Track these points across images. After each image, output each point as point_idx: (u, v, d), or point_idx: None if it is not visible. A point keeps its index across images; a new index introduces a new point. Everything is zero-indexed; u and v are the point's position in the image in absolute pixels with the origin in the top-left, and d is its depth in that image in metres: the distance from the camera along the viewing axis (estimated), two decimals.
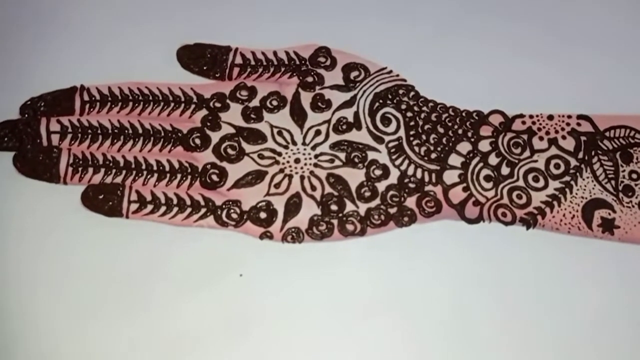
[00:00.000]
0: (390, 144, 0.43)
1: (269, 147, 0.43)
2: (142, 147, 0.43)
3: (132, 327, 0.39)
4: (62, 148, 0.42)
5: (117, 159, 0.42)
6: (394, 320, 0.40)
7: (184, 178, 0.42)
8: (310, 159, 0.43)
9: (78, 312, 0.39)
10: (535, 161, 0.42)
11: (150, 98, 0.44)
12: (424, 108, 0.44)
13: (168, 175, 0.42)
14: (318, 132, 0.43)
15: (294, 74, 0.45)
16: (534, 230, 0.42)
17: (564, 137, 0.43)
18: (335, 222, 0.42)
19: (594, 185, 0.42)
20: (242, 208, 0.42)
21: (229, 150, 0.43)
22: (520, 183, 0.42)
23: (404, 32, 0.47)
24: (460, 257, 0.41)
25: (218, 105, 0.44)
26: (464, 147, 0.43)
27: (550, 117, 0.44)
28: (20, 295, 0.40)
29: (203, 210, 0.41)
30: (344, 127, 0.44)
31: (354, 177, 0.42)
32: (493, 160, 0.43)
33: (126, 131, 0.43)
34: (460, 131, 0.43)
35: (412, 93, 0.44)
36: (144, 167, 0.42)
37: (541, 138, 0.43)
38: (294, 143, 0.43)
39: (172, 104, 0.44)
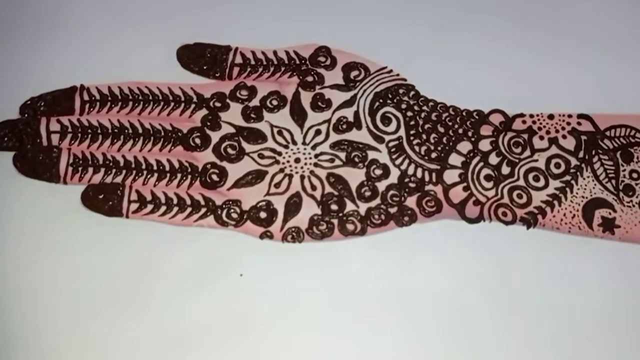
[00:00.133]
0: (391, 144, 0.43)
1: (269, 147, 0.43)
2: (142, 147, 0.43)
3: (132, 327, 0.39)
4: (62, 148, 0.42)
5: (117, 159, 0.42)
6: (394, 320, 0.40)
7: (184, 178, 0.42)
8: (310, 158, 0.43)
9: (78, 312, 0.39)
10: (536, 160, 0.42)
11: (150, 98, 0.44)
12: (424, 107, 0.44)
13: (168, 175, 0.42)
14: (318, 132, 0.43)
15: (294, 74, 0.45)
16: (535, 230, 0.42)
17: (564, 137, 0.43)
18: (335, 221, 0.41)
19: (595, 184, 0.42)
20: (242, 208, 0.42)
21: (229, 150, 0.43)
22: (521, 182, 0.42)
23: (404, 31, 0.47)
24: (461, 256, 0.41)
25: (218, 104, 0.44)
26: (465, 146, 0.43)
27: (551, 117, 0.43)
28: (20, 295, 0.40)
29: (203, 210, 0.41)
30: (344, 126, 0.44)
31: (354, 176, 0.42)
32: (493, 159, 0.43)
33: (126, 131, 0.43)
34: (460, 130, 0.43)
35: (412, 92, 0.44)
36: (144, 166, 0.42)
37: (542, 137, 0.43)
38: (294, 143, 0.43)
39: (172, 104, 0.44)
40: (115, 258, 0.41)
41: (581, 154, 0.42)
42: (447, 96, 0.44)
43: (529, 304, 0.40)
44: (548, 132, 0.43)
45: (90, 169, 0.42)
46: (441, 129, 0.43)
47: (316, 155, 0.43)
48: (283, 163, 0.43)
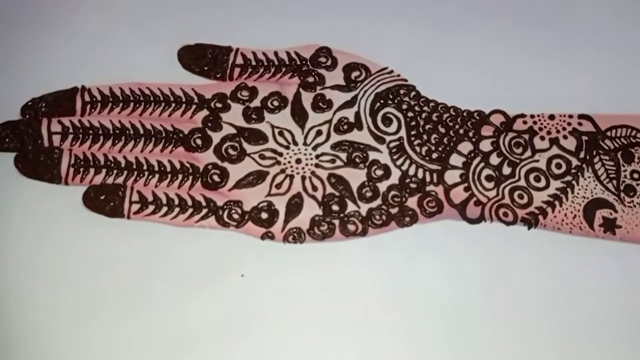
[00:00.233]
0: (392, 144, 0.43)
1: (270, 148, 0.43)
2: (143, 148, 0.43)
3: (133, 327, 0.39)
4: (64, 149, 0.42)
5: (119, 160, 0.42)
6: (395, 320, 0.40)
7: (185, 178, 0.42)
8: (311, 159, 0.43)
9: (79, 312, 0.40)
10: (537, 161, 0.42)
11: (151, 98, 0.44)
12: (425, 108, 0.44)
13: (169, 175, 0.42)
14: (319, 133, 0.43)
15: (295, 74, 0.45)
16: (536, 230, 0.42)
17: (565, 137, 0.43)
18: (336, 222, 0.41)
19: (596, 185, 0.42)
20: (243, 208, 0.42)
21: (230, 151, 0.43)
22: (522, 183, 0.42)
23: (405, 32, 0.47)
24: (462, 257, 0.41)
25: (219, 105, 0.44)
26: (465, 147, 0.43)
27: (552, 117, 0.43)
28: (21, 296, 0.40)
29: (204, 211, 0.41)
30: (345, 127, 0.44)
31: (355, 177, 0.42)
32: (494, 160, 0.43)
33: (127, 132, 0.43)
34: (461, 131, 0.43)
35: (413, 93, 0.44)
36: (145, 167, 0.42)
37: (542, 138, 0.43)
38: (295, 143, 0.43)
39: (173, 105, 0.44)
40: (116, 259, 0.41)
41: (582, 154, 0.42)
42: (448, 97, 0.44)
43: (530, 304, 0.40)
44: (549, 133, 0.43)
45: (92, 170, 0.42)
46: (442, 130, 0.43)
47: (317, 156, 0.43)
48: (284, 164, 0.43)
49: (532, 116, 0.44)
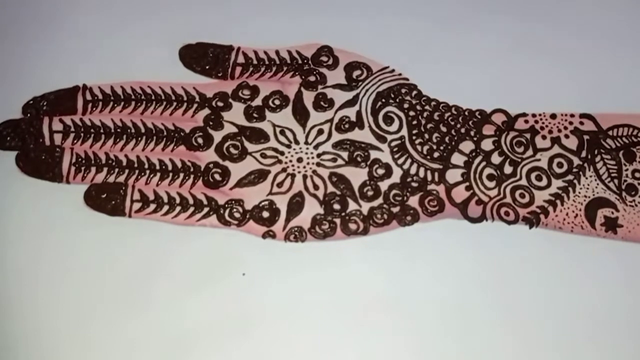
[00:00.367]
0: (393, 143, 0.43)
1: (272, 147, 0.43)
2: (144, 147, 0.43)
3: (134, 326, 0.39)
4: (65, 147, 0.42)
5: (120, 158, 0.42)
6: (396, 320, 0.40)
7: (187, 177, 0.42)
8: (312, 158, 0.43)
9: (79, 312, 0.39)
10: (538, 160, 0.42)
11: (153, 97, 0.44)
12: (427, 107, 0.44)
13: (171, 174, 0.42)
14: (320, 131, 0.43)
15: (297, 73, 0.45)
16: (537, 229, 0.42)
17: (567, 136, 0.43)
18: (337, 221, 0.42)
19: (597, 184, 0.42)
20: (244, 207, 0.42)
21: (232, 150, 0.43)
22: (523, 182, 0.42)
23: (407, 31, 0.47)
24: (463, 256, 0.41)
25: (220, 104, 0.44)
26: (467, 146, 0.43)
27: (553, 116, 0.43)
28: (21, 295, 0.40)
29: (206, 210, 0.41)
30: (347, 126, 0.44)
31: (357, 176, 0.42)
32: (496, 159, 0.43)
33: (129, 130, 0.43)
34: (462, 130, 0.43)
35: (414, 92, 0.44)
36: (146, 166, 0.42)
37: (544, 137, 0.43)
38: (297, 142, 0.43)
39: (175, 103, 0.44)
40: (117, 257, 0.41)
41: (584, 154, 0.42)
42: (449, 96, 0.44)
43: (531, 304, 0.40)
44: (550, 132, 0.43)
45: (93, 169, 0.42)
46: (443, 129, 0.43)
47: (318, 155, 0.43)
48: (285, 162, 0.43)
49: (533, 115, 0.44)
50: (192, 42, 0.46)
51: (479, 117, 0.44)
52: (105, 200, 0.41)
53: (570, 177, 0.42)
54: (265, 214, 0.42)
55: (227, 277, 0.40)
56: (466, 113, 0.44)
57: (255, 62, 0.45)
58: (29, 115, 0.43)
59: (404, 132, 0.43)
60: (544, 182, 0.42)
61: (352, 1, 0.48)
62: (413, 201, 0.42)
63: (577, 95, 0.44)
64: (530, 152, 0.43)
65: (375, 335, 0.39)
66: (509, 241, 0.41)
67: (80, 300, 0.40)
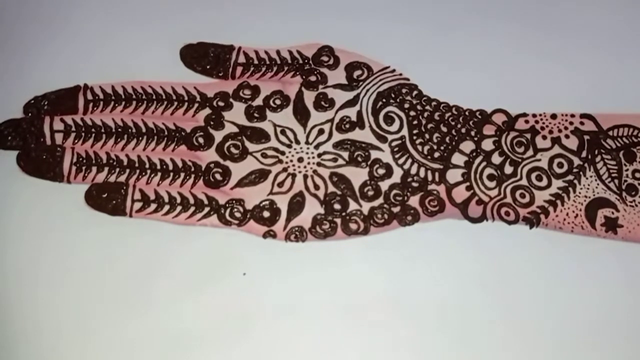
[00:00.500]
0: (394, 143, 0.43)
1: (272, 146, 0.43)
2: (145, 146, 0.43)
3: (134, 326, 0.39)
4: (66, 147, 0.42)
5: (121, 158, 0.42)
6: (396, 319, 0.40)
7: (188, 177, 0.42)
8: (313, 158, 0.43)
9: (80, 312, 0.39)
10: (539, 160, 0.42)
11: (154, 97, 0.44)
12: (427, 107, 0.44)
13: (171, 174, 0.42)
14: (321, 131, 0.43)
15: (297, 73, 0.45)
16: (537, 230, 0.42)
17: (567, 136, 0.43)
18: (338, 221, 0.42)
19: (598, 184, 0.42)
20: (245, 207, 0.42)
21: (233, 149, 0.43)
22: (524, 182, 0.42)
23: (407, 31, 0.47)
24: (463, 256, 0.41)
25: (221, 104, 0.44)
26: (467, 146, 0.43)
27: (554, 116, 0.44)
28: (21, 295, 0.40)
29: (206, 209, 0.41)
30: (347, 126, 0.44)
31: (357, 176, 0.42)
32: (496, 159, 0.43)
33: (130, 130, 0.43)
34: (463, 130, 0.43)
35: (415, 92, 0.44)
36: (147, 166, 0.42)
37: (544, 137, 0.43)
38: (297, 142, 0.43)
39: (176, 103, 0.44)
40: (118, 257, 0.41)
41: (584, 154, 0.43)
42: (450, 96, 0.44)
43: (531, 304, 0.40)
44: (551, 132, 0.43)
45: (94, 168, 0.42)
46: (444, 129, 0.43)
47: (319, 155, 0.43)
48: (286, 162, 0.43)
49: (534, 115, 0.44)
50: (193, 42, 0.46)
51: (480, 117, 0.44)
52: (106, 199, 0.41)
53: (570, 177, 0.42)
54: (266, 214, 0.42)
55: (227, 277, 0.40)
56: (467, 113, 0.44)
57: (256, 61, 0.45)
58: (30, 114, 0.43)
59: (405, 132, 0.43)
60: (545, 182, 0.42)
61: (353, 1, 0.48)
62: (413, 201, 0.42)
63: (578, 95, 0.44)
64: (530, 152, 0.43)
65: (376, 335, 0.39)
66: (509, 241, 0.41)
67: (80, 300, 0.40)
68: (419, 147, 0.43)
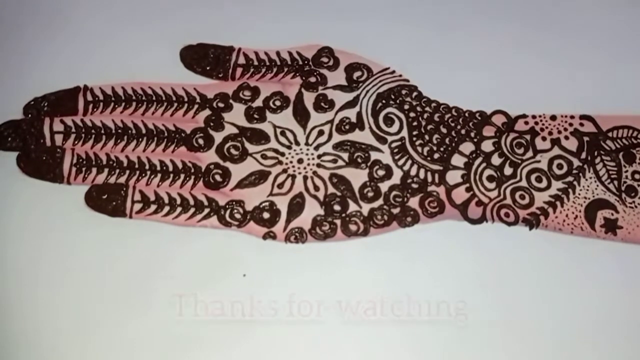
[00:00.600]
0: (393, 144, 0.43)
1: (272, 147, 0.43)
2: (145, 147, 0.43)
3: (134, 326, 0.39)
4: (66, 148, 0.42)
5: (121, 159, 0.42)
6: (396, 321, 0.40)
7: (187, 178, 0.42)
8: (313, 159, 0.43)
9: (79, 312, 0.40)
10: (538, 161, 0.43)
11: (154, 98, 0.44)
12: (427, 108, 0.44)
13: (171, 175, 0.42)
14: (321, 132, 0.44)
15: (297, 74, 0.45)
16: (537, 231, 0.42)
17: (566, 138, 0.43)
18: (338, 222, 0.42)
19: (597, 185, 0.42)
20: (245, 208, 0.42)
21: (232, 151, 0.43)
22: (523, 183, 0.42)
23: (407, 32, 0.47)
24: (463, 257, 0.41)
25: (221, 105, 0.44)
26: (467, 147, 0.43)
27: (553, 118, 0.44)
28: (21, 295, 0.40)
29: (206, 211, 0.41)
30: (347, 127, 0.44)
31: (357, 177, 0.42)
32: (496, 160, 0.43)
33: (129, 131, 0.43)
34: (463, 131, 0.43)
35: (415, 93, 0.44)
36: (147, 167, 0.42)
37: (544, 138, 0.43)
38: (297, 143, 0.43)
39: (176, 104, 0.44)
40: (118, 258, 0.41)
41: (583, 155, 0.43)
42: (449, 97, 0.44)
43: (531, 305, 0.40)
44: (550, 133, 0.43)
45: (94, 169, 0.42)
46: (444, 130, 0.43)
47: (319, 156, 0.43)
48: (286, 164, 0.43)
49: (533, 117, 0.44)
50: (193, 43, 0.46)
51: (479, 118, 0.44)
52: (106, 201, 0.42)
53: (570, 178, 0.42)
54: (266, 215, 0.42)
55: (227, 278, 0.40)
56: (466, 114, 0.44)
57: (255, 63, 0.45)
58: (30, 115, 0.43)
59: (405, 133, 0.43)
60: (544, 184, 0.42)
61: (353, 2, 0.48)
62: (413, 202, 0.42)
63: (577, 97, 0.44)
64: (530, 153, 0.43)
65: (376, 335, 0.39)
66: (509, 242, 0.41)
67: (80, 300, 0.40)
68: (419, 149, 0.43)
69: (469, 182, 0.42)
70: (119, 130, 0.43)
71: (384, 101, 0.44)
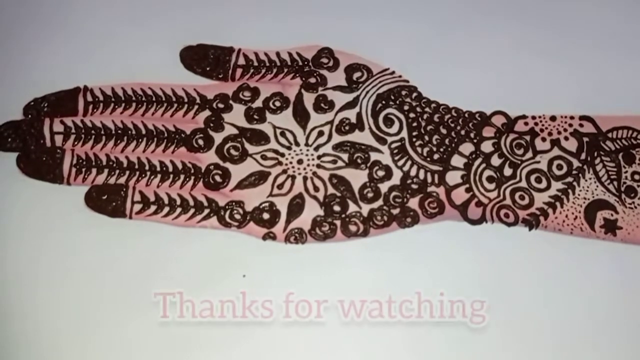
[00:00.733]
0: (393, 145, 0.43)
1: (272, 148, 0.43)
2: (145, 148, 0.43)
3: (134, 326, 0.39)
4: (66, 149, 0.42)
5: (121, 160, 0.42)
6: (396, 321, 0.40)
7: (187, 179, 0.42)
8: (313, 159, 0.43)
9: (79, 312, 0.40)
10: (538, 162, 0.43)
11: (154, 99, 0.44)
12: (427, 109, 0.44)
13: (171, 175, 0.42)
14: (321, 133, 0.44)
15: (297, 75, 0.45)
16: (537, 231, 0.42)
17: (566, 138, 0.43)
18: (338, 223, 0.42)
19: (597, 186, 0.42)
20: (245, 209, 0.42)
21: (232, 151, 0.43)
22: (523, 184, 0.42)
23: (407, 32, 0.47)
24: (463, 257, 0.41)
25: (221, 106, 0.44)
26: (467, 148, 0.43)
27: (553, 118, 0.44)
28: (21, 295, 0.40)
29: (206, 211, 0.42)
30: (347, 128, 0.44)
31: (357, 178, 0.42)
32: (495, 161, 0.43)
33: (129, 132, 0.43)
34: (462, 132, 0.43)
35: (414, 94, 0.44)
36: (147, 167, 0.42)
37: (544, 139, 0.43)
38: (297, 144, 0.43)
39: (175, 105, 0.44)
40: (118, 259, 0.41)
41: (583, 156, 0.43)
42: (449, 98, 0.44)
43: (531, 305, 0.40)
44: (550, 134, 0.43)
45: (94, 170, 0.42)
46: (443, 131, 0.43)
47: (319, 157, 0.43)
48: (286, 164, 0.43)
49: (533, 117, 0.44)
50: (193, 44, 0.46)
51: (479, 119, 0.44)
52: (106, 201, 0.42)
53: (569, 179, 0.42)
54: (266, 216, 0.42)
55: (227, 279, 0.40)
56: (466, 115, 0.44)
57: (255, 63, 0.45)
58: (29, 116, 0.43)
59: (404, 134, 0.43)
60: (544, 184, 0.42)
61: (353, 3, 0.48)
62: (413, 203, 0.42)
63: (577, 97, 0.44)
64: (529, 154, 0.43)
65: (376, 336, 0.40)
66: (509, 243, 0.41)
67: (80, 300, 0.40)
68: (419, 149, 0.43)
69: (469, 183, 0.42)
70: (119, 131, 0.43)
71: (383, 102, 0.44)
